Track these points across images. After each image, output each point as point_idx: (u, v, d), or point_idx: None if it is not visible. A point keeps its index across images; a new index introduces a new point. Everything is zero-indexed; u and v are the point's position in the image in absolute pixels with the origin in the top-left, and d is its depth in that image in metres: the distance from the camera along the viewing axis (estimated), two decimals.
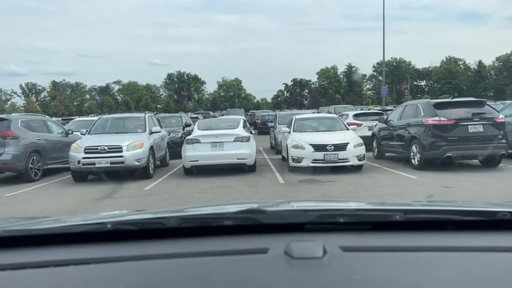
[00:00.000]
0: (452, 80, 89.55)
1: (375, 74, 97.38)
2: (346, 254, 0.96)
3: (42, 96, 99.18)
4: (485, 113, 9.94)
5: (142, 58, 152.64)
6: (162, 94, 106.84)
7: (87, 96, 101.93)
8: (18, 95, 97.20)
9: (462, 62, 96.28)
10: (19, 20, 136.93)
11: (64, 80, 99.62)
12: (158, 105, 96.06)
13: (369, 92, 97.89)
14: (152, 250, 1.03)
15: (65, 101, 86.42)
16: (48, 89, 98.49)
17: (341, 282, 0.85)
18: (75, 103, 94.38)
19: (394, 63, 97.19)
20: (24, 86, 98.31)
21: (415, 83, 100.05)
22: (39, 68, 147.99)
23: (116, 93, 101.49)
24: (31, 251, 1.07)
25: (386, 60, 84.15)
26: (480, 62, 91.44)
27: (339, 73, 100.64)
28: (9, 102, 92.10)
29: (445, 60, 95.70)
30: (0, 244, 1.10)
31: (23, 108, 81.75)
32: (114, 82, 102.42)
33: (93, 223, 1.26)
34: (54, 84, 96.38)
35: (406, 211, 1.20)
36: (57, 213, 6.90)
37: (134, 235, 1.12)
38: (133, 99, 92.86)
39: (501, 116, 10.11)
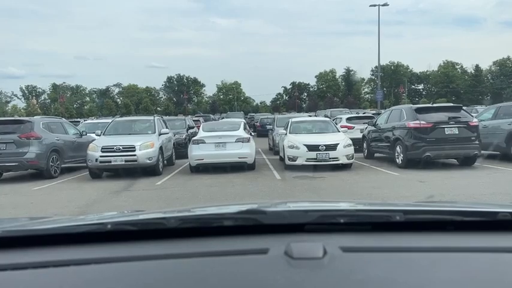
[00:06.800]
0: (450, 84, 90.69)
1: (373, 77, 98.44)
2: (346, 255, 0.96)
3: (42, 98, 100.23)
4: (460, 117, 11.09)
5: (141, 61, 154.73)
6: (162, 97, 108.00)
7: (87, 98, 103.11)
8: (18, 98, 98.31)
9: (459, 66, 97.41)
10: (16, 23, 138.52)
11: (64, 82, 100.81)
12: (158, 108, 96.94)
13: (367, 96, 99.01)
14: (152, 250, 1.04)
15: (65, 103, 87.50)
16: (48, 92, 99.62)
17: (341, 283, 0.85)
18: (75, 105, 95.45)
19: (392, 67, 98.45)
20: (24, 88, 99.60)
21: (413, 86, 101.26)
22: (37, 71, 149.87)
23: (116, 96, 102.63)
24: (31, 251, 1.07)
25: (384, 64, 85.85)
26: (477, 66, 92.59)
27: (337, 77, 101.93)
28: (10, 105, 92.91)
29: (442, 64, 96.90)
30: (0, 244, 1.10)
31: (23, 111, 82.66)
32: (114, 85, 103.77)
33: (93, 223, 1.27)
34: (54, 86, 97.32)
35: (406, 211, 1.20)
36: (85, 202, 8.05)
37: (134, 235, 1.13)
38: (133, 102, 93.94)
39: (475, 120, 11.30)
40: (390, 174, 10.54)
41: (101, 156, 11.01)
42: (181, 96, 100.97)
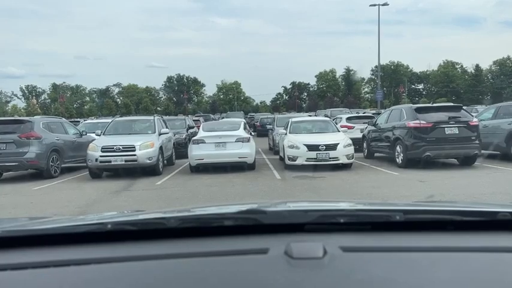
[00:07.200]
0: (450, 84, 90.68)
1: (373, 77, 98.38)
2: (346, 255, 0.96)
3: (42, 98, 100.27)
4: (460, 117, 11.10)
5: (141, 61, 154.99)
6: (162, 97, 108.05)
7: (87, 98, 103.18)
8: (18, 97, 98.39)
9: (459, 65, 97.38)
10: (16, 23, 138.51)
11: (64, 82, 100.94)
12: (158, 108, 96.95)
13: (367, 95, 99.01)
14: (152, 250, 1.04)
15: (65, 103, 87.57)
16: (48, 92, 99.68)
17: (341, 283, 0.85)
18: (75, 105, 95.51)
19: (392, 67, 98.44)
20: (24, 88, 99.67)
21: (413, 86, 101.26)
22: (37, 71, 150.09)
23: (116, 96, 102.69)
24: (31, 251, 1.07)
25: (384, 63, 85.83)
26: (477, 65, 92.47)
27: (337, 76, 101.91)
28: (10, 105, 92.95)
29: (442, 64, 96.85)
30: (0, 244, 1.10)
31: (23, 111, 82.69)
32: (114, 85, 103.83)
33: (93, 223, 1.27)
34: (54, 86, 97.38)
35: (406, 211, 1.21)
36: (85, 202, 8.05)
37: (134, 235, 1.13)
38: (133, 101, 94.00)
39: (475, 119, 11.30)
40: (390, 173, 10.55)
41: (100, 156, 11.01)
42: (181, 96, 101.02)
